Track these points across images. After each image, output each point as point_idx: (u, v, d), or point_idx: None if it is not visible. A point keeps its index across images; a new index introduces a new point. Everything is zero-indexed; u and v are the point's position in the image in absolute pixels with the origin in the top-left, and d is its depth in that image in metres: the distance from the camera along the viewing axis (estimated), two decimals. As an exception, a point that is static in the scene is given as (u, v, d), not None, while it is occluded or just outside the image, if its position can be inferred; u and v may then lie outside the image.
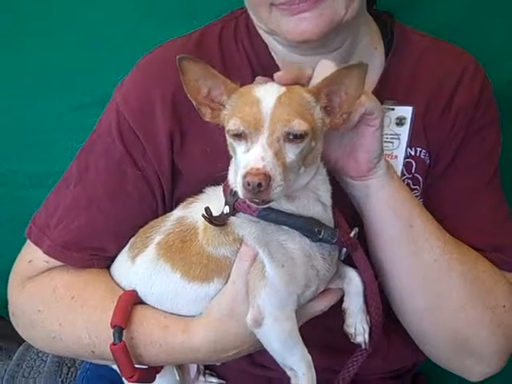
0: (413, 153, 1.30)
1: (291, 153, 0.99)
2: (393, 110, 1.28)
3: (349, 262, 1.18)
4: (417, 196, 1.31)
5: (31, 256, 1.27)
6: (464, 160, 1.31)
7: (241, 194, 0.97)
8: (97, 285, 1.22)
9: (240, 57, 1.28)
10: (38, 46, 1.68)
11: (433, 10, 1.55)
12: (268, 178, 0.94)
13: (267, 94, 1.01)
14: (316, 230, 1.07)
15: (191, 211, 1.16)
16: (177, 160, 1.24)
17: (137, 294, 1.18)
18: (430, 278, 1.22)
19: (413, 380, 1.54)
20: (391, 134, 1.29)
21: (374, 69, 1.30)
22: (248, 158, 0.97)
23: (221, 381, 1.35)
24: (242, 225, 1.09)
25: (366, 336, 1.17)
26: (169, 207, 1.25)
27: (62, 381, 1.67)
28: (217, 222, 1.08)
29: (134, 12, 1.64)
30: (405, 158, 1.30)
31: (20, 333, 1.30)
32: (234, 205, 1.08)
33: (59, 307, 1.22)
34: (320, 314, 1.16)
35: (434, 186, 1.31)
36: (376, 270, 1.21)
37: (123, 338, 1.12)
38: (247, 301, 1.09)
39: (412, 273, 1.21)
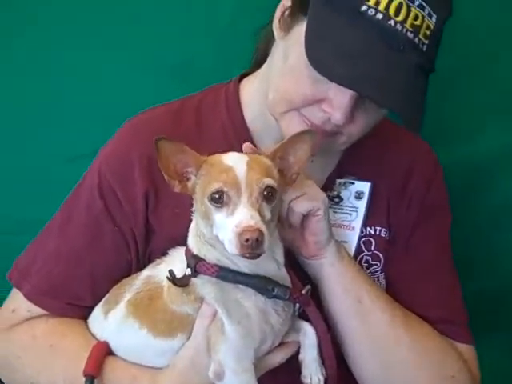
0: (372, 232, 1.42)
1: (267, 211, 1.11)
2: (353, 183, 1.42)
3: (306, 316, 1.27)
4: (376, 271, 1.43)
5: (14, 305, 1.37)
6: (418, 239, 1.43)
7: (236, 250, 1.06)
8: (75, 335, 1.32)
9: (216, 128, 1.39)
10: (31, 94, 1.75)
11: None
12: (261, 233, 1.05)
13: (236, 161, 1.12)
14: (270, 287, 1.17)
15: (157, 271, 1.26)
16: (151, 219, 1.35)
17: (109, 345, 1.28)
18: (380, 349, 1.33)
19: None
20: (350, 207, 1.42)
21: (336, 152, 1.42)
22: (238, 219, 1.07)
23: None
24: (203, 285, 1.19)
25: None
26: (142, 261, 1.36)
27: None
28: (179, 283, 1.18)
29: (131, 67, 1.74)
30: (362, 231, 1.41)
31: (1, 377, 1.40)
32: (195, 267, 1.18)
33: (38, 355, 1.32)
34: (278, 365, 1.25)
35: (392, 262, 1.43)
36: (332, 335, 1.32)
37: None
38: (208, 354, 1.19)
39: (362, 343, 1.33)
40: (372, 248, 1.42)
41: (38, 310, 1.35)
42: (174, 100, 1.45)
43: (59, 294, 1.34)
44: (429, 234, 1.44)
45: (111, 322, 1.28)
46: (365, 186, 1.41)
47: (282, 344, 1.26)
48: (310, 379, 1.25)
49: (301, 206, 1.24)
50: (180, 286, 1.19)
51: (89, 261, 1.34)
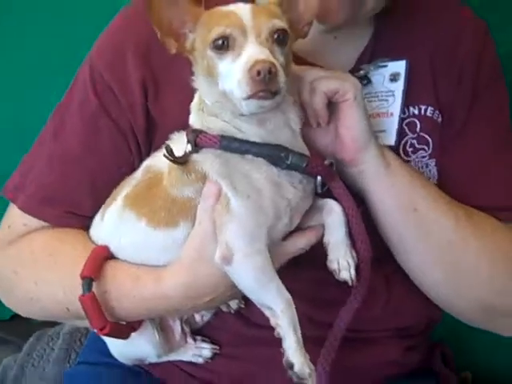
0: (416, 112, 1.24)
1: (279, 55, 0.97)
2: (386, 66, 1.24)
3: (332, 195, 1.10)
4: (424, 157, 1.25)
5: (10, 220, 1.25)
6: (476, 120, 1.25)
7: (247, 88, 0.93)
8: (74, 244, 1.18)
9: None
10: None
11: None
12: (274, 66, 0.92)
13: (239, 7, 1.00)
14: (282, 155, 1.01)
15: (157, 159, 1.10)
16: (152, 110, 1.20)
17: (108, 248, 1.13)
18: (446, 258, 1.18)
19: (431, 351, 1.40)
20: (385, 92, 1.24)
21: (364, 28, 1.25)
22: (246, 56, 0.94)
23: (214, 346, 1.26)
24: (205, 160, 1.03)
25: (352, 271, 1.07)
26: None
27: (70, 366, 1.64)
28: (178, 160, 1.03)
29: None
30: (401, 115, 1.23)
31: (1, 298, 1.28)
32: (196, 141, 1.03)
33: (35, 266, 1.19)
34: (301, 254, 1.07)
35: (449, 148, 1.25)
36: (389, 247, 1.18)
37: (94, 290, 1.07)
38: (216, 240, 1.02)
39: (426, 254, 1.18)
40: (417, 130, 1.24)
41: (34, 222, 1.22)
42: None
43: (56, 202, 1.21)
44: (487, 114, 1.25)
45: (107, 220, 1.14)
46: (400, 66, 1.23)
47: (304, 229, 1.08)
48: (338, 264, 1.07)
49: (325, 84, 1.07)
50: (179, 164, 1.03)
51: (86, 163, 1.21)
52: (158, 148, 1.17)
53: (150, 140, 1.21)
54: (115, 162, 1.21)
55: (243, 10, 0.98)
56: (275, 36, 0.96)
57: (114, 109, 1.20)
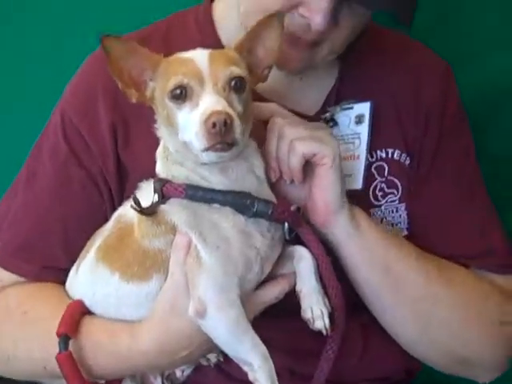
0: (383, 155, 1.26)
1: (236, 103, 0.97)
2: (351, 108, 1.25)
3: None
4: (393, 201, 1.26)
5: None
6: (443, 162, 1.27)
7: (204, 141, 0.93)
8: (49, 299, 1.17)
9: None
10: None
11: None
12: (230, 117, 0.92)
13: (197, 54, 1.01)
14: (248, 202, 1.00)
15: (128, 208, 1.09)
16: (122, 155, 1.21)
17: (84, 303, 1.12)
18: (417, 313, 1.19)
19: None
20: (351, 134, 1.25)
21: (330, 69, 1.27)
22: (203, 107, 0.94)
23: (196, 402, 1.23)
24: (173, 211, 1.03)
25: (326, 320, 1.05)
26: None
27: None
28: (146, 211, 1.03)
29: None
30: (372, 156, 1.25)
31: None
32: (162, 191, 1.03)
33: (12, 324, 1.18)
34: (275, 303, 1.06)
35: (417, 193, 1.26)
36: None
37: (70, 348, 1.05)
38: (188, 293, 1.01)
39: (397, 310, 1.19)
40: (385, 173, 1.25)
41: (9, 278, 1.22)
42: (143, 28, 1.32)
43: (30, 255, 1.21)
44: (453, 158, 1.27)
45: (81, 274, 1.13)
46: (365, 107, 1.24)
47: (276, 277, 1.07)
48: (312, 313, 1.05)
49: (304, 146, 1.07)
50: (147, 215, 1.03)
51: (59, 213, 1.21)
52: (130, 196, 1.15)
53: (122, 187, 1.22)
54: (88, 211, 1.21)
55: (201, 57, 0.99)
56: (232, 83, 0.97)
57: (84, 156, 1.21)
